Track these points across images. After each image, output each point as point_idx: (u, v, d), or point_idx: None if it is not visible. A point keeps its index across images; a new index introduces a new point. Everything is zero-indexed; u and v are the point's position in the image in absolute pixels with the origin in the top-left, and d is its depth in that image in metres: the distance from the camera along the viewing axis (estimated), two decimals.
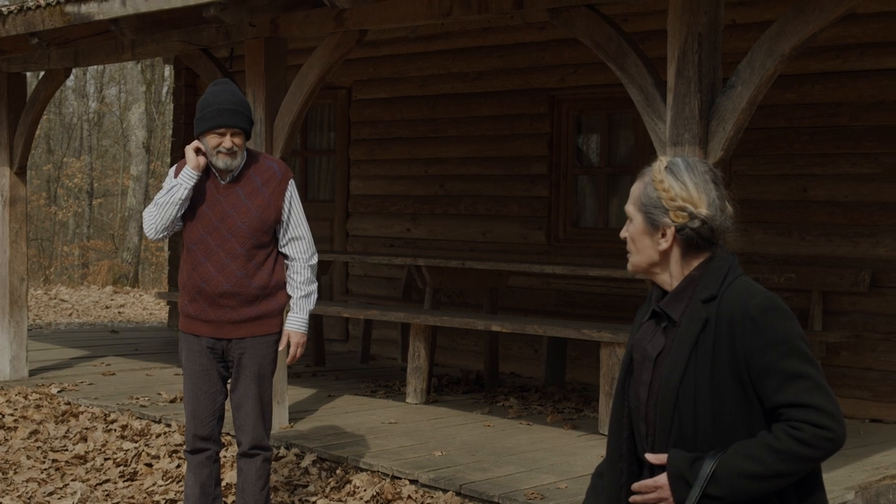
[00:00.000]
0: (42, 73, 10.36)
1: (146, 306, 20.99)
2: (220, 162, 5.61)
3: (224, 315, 5.73)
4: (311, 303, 5.88)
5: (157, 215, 5.68)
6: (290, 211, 5.80)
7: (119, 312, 19.54)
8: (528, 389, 10.00)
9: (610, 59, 6.27)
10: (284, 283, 5.83)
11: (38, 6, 8.25)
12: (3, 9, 8.70)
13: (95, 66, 37.88)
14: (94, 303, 21.00)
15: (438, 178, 11.93)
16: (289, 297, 5.84)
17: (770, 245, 9.53)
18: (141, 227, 28.23)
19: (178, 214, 5.68)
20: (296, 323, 5.84)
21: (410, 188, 12.16)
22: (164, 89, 36.81)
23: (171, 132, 35.20)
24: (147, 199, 29.30)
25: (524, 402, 9.30)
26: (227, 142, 5.57)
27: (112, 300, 21.73)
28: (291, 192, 5.82)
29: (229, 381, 5.88)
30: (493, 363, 10.16)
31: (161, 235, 5.76)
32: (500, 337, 10.44)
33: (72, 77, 37.21)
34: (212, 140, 5.59)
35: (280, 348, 5.84)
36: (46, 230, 35.84)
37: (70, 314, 18.85)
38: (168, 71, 36.88)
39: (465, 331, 10.83)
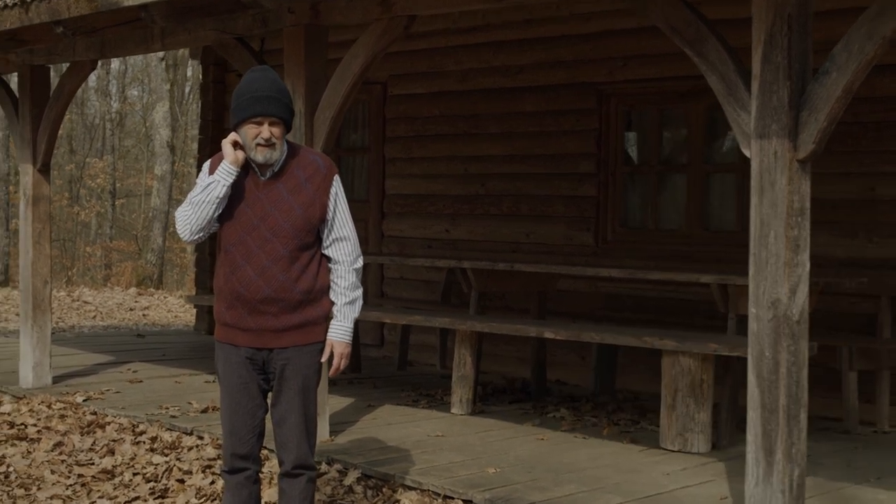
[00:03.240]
0: (66, 66, 9.87)
1: (171, 308, 20.56)
2: (259, 155, 5.10)
3: (265, 323, 5.21)
4: (355, 310, 5.37)
5: (193, 215, 5.18)
6: (335, 209, 5.29)
7: (143, 315, 19.10)
8: (578, 399, 9.48)
9: (687, 45, 5.74)
10: (328, 288, 5.32)
11: None
12: None
13: (117, 66, 37.58)
14: (117, 305, 20.58)
15: (479, 177, 11.41)
16: (332, 303, 5.33)
17: (835, 247, 9.00)
18: (165, 228, 27.85)
19: (216, 214, 5.18)
20: (339, 332, 5.32)
21: (449, 187, 11.65)
22: (187, 88, 36.47)
23: (196, 131, 34.90)
24: (171, 199, 28.90)
25: (576, 413, 8.78)
26: (265, 132, 5.07)
27: (136, 302, 21.31)
28: (337, 188, 5.31)
29: (270, 394, 5.36)
30: (540, 371, 9.65)
31: (196, 237, 5.26)
32: (547, 343, 9.91)
33: (94, 77, 37.06)
34: (249, 131, 5.09)
35: (322, 359, 5.32)
36: (69, 231, 35.55)
37: (94, 316, 18.43)
38: (191, 70, 36.58)
39: (508, 336, 10.30)
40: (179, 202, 35.63)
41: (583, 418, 8.62)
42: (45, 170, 9.87)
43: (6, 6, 8.41)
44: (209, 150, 14.01)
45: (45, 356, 9.83)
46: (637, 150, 10.66)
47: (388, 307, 11.03)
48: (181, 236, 5.29)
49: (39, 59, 9.66)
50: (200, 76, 15.16)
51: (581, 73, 10.66)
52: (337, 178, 5.32)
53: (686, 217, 10.14)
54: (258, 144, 5.08)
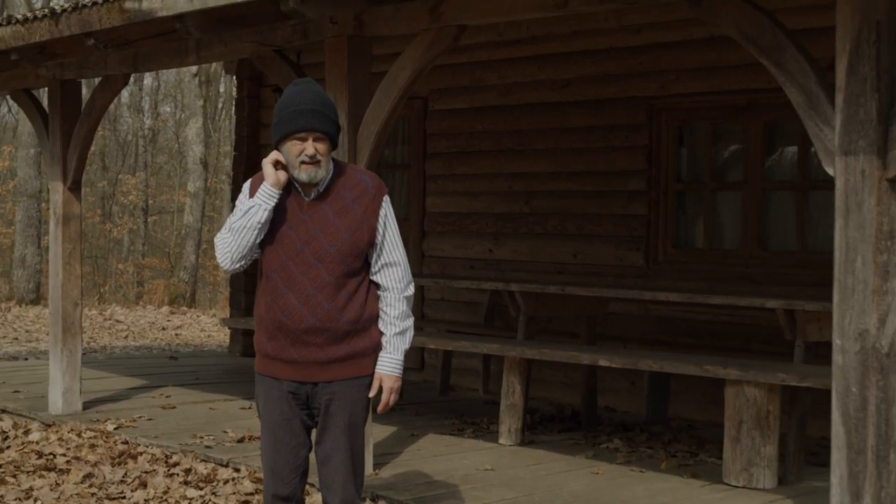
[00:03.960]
0: (98, 81, 9.51)
1: (204, 327, 20.24)
2: (303, 174, 4.71)
3: (309, 354, 4.82)
4: (406, 341, 4.97)
5: (233, 243, 4.79)
6: (385, 232, 4.89)
7: (176, 334, 18.78)
8: (630, 428, 9.03)
9: (763, 55, 5.32)
10: (377, 317, 4.92)
11: (95, 3, 7.41)
12: (57, 6, 7.86)
13: (150, 82, 37.44)
14: (150, 324, 20.28)
15: (523, 195, 11.00)
16: (380, 333, 4.92)
17: None
18: (197, 246, 27.57)
19: (258, 240, 4.79)
20: (389, 365, 4.92)
21: (492, 205, 11.24)
22: (220, 104, 36.28)
23: (229, 147, 34.57)
24: (204, 216, 28.62)
25: (630, 444, 8.35)
26: (310, 148, 4.68)
27: (168, 321, 21.01)
28: (387, 210, 4.91)
29: (314, 430, 4.96)
30: (590, 399, 9.21)
31: (238, 266, 4.87)
32: (597, 368, 9.47)
33: (126, 93, 36.93)
34: (292, 147, 4.70)
35: (371, 394, 4.92)
36: (101, 247, 35.38)
37: (126, 336, 18.12)
38: (223, 86, 36.36)
39: (555, 361, 9.87)
40: (212, 219, 35.48)
41: (638, 449, 8.19)
42: (75, 188, 9.52)
43: (35, 18, 8.07)
44: (244, 167, 13.67)
45: (76, 381, 9.47)
46: (689, 166, 10.21)
47: (431, 331, 10.62)
48: (221, 266, 4.91)
49: (70, 74, 9.32)
50: (234, 92, 14.83)
51: (631, 86, 10.24)
52: (386, 198, 4.93)
53: (742, 236, 9.69)
54: (302, 162, 4.71)
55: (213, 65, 32.90)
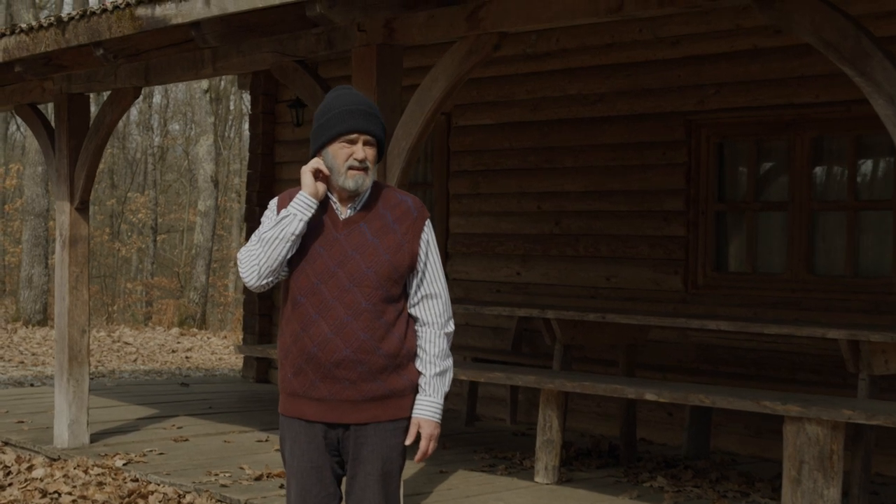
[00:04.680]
0: (107, 95, 9.00)
1: (215, 350, 19.74)
2: (350, 181, 4.17)
3: (341, 392, 4.27)
4: (446, 383, 4.42)
5: (263, 255, 4.24)
6: (426, 259, 4.35)
7: (186, 357, 18.26)
8: (673, 464, 8.48)
9: (846, 63, 4.78)
10: (416, 353, 4.38)
11: (105, 10, 6.90)
12: (64, 15, 7.34)
13: (159, 100, 37.02)
14: (159, 346, 19.76)
15: (553, 215, 10.46)
16: (418, 372, 4.38)
17: None
18: (208, 266, 27.05)
19: (289, 255, 4.25)
20: (428, 409, 4.37)
21: (520, 226, 10.70)
22: (229, 121, 35.87)
23: (238, 165, 34.10)
24: (215, 235, 28.11)
25: (675, 482, 7.79)
26: (359, 151, 4.16)
27: (178, 343, 20.50)
28: (429, 235, 4.37)
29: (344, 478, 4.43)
30: (630, 432, 8.65)
31: (265, 282, 4.31)
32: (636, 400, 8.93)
33: (135, 111, 36.46)
34: (339, 151, 4.17)
35: (408, 442, 4.37)
36: (109, 266, 34.92)
37: (135, 359, 17.61)
38: (233, 104, 35.92)
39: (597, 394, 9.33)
40: (222, 238, 34.98)
41: (684, 488, 7.63)
42: (83, 208, 8.99)
43: (41, 27, 7.54)
44: (258, 186, 13.20)
45: (83, 413, 8.93)
46: (730, 185, 9.66)
47: (457, 358, 10.04)
48: (247, 282, 4.34)
49: (78, 87, 8.80)
50: (245, 108, 14.32)
51: (668, 101, 9.72)
52: (429, 223, 4.39)
53: (788, 260, 9.15)
54: (350, 168, 4.18)
55: (223, 82, 32.49)
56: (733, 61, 9.31)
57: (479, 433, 9.82)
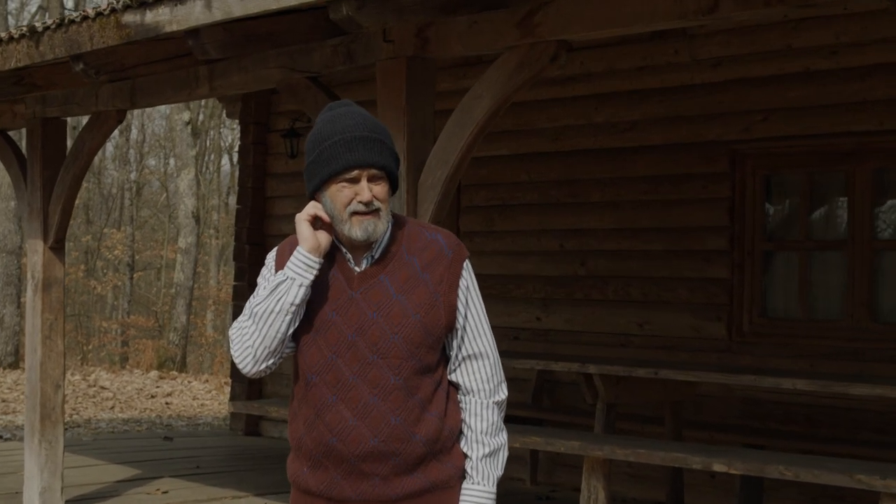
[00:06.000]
0: (86, 120, 8.00)
1: (196, 395, 18.70)
2: (357, 229, 3.19)
3: (369, 491, 3.27)
4: (499, 465, 3.43)
5: (256, 334, 3.25)
6: (467, 311, 3.35)
7: (167, 404, 17.22)
8: None
9: None
10: (461, 431, 3.39)
11: (85, 17, 5.91)
12: (38, 24, 6.35)
13: (136, 134, 35.98)
14: (137, 391, 18.71)
15: (578, 255, 9.51)
16: (464, 455, 3.40)
17: None
18: (188, 306, 25.97)
19: (291, 330, 3.27)
20: (478, 499, 3.39)
21: (541, 267, 9.74)
22: (208, 155, 34.90)
23: (216, 200, 33.10)
24: (195, 273, 27.03)
25: None
26: (364, 192, 3.17)
27: (157, 387, 19.45)
28: (469, 280, 3.37)
29: None
30: (678, 499, 7.69)
31: (263, 367, 3.32)
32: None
33: (111, 146, 35.44)
34: (338, 194, 3.19)
35: None
36: (84, 304, 33.82)
37: (112, 406, 16.56)
38: (210, 140, 34.90)
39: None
40: (200, 275, 33.88)
41: None
42: (58, 247, 7.99)
43: (11, 38, 6.54)
44: (248, 222, 12.23)
45: (56, 479, 7.90)
46: (779, 222, 8.74)
47: None
48: (242, 368, 3.34)
49: (53, 111, 7.80)
50: (227, 142, 13.33)
51: (709, 129, 8.80)
52: (468, 264, 3.38)
53: (847, 305, 8.21)
54: (354, 213, 3.19)
55: (202, 115, 31.50)
56: (783, 85, 8.42)
57: (500, 497, 8.82)
